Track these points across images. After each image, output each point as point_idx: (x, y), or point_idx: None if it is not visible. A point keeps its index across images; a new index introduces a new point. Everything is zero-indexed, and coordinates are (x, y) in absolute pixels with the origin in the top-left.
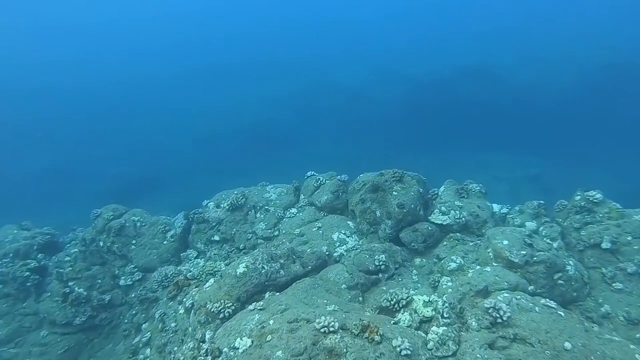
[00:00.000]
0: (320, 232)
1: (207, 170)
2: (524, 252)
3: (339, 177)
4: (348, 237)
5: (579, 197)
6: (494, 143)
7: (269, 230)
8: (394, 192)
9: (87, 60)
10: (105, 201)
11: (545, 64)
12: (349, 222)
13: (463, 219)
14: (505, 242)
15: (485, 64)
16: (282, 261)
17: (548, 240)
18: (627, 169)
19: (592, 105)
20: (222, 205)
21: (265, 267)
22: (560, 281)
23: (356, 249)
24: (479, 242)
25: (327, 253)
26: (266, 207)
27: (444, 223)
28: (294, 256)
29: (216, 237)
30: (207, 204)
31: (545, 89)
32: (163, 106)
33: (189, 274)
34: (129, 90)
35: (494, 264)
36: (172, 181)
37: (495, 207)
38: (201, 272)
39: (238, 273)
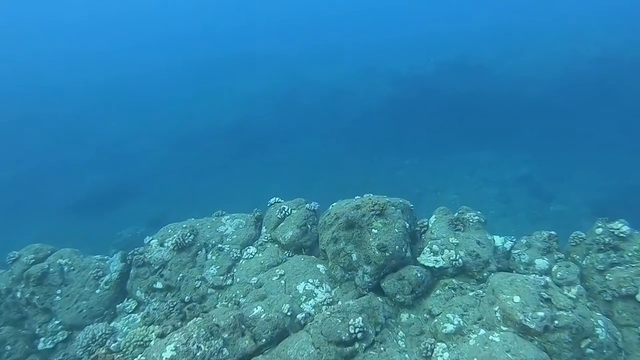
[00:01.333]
0: (283, 282)
1: (183, 174)
2: (542, 314)
3: (307, 205)
4: (317, 287)
5: (600, 229)
6: (481, 141)
7: (221, 277)
8: (373, 230)
9: (55, 59)
10: (79, 213)
11: (532, 60)
12: (319, 266)
13: (460, 260)
14: (517, 299)
15: (470, 60)
16: (226, 335)
17: (570, 294)
18: (616, 164)
19: (580, 100)
20: (166, 244)
21: (203, 347)
22: (589, 349)
23: (326, 303)
24: (481, 291)
25: (289, 314)
26: (220, 245)
27: (437, 266)
28: (243, 326)
29: (159, 284)
30: (149, 241)
31: (532, 85)
32: (138, 106)
33: (113, 344)
34: (102, 91)
35: (502, 327)
36: (148, 187)
37: (498, 241)
38: (128, 344)
39: (164, 359)
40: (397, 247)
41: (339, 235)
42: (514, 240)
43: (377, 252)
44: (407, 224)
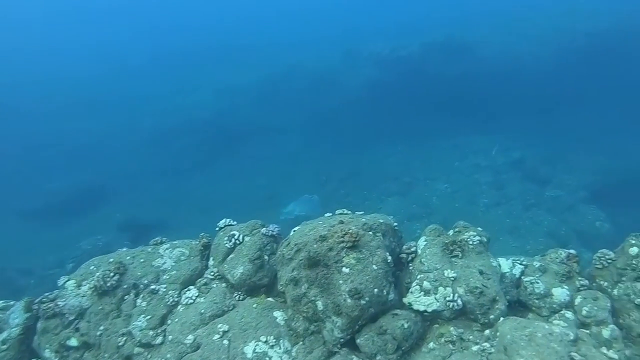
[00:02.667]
0: (226, 342)
1: (158, 174)
2: None
3: (264, 230)
4: (272, 346)
5: (635, 249)
6: (471, 125)
7: (151, 332)
8: (344, 269)
9: (15, 54)
10: (40, 221)
11: (522, 37)
12: (276, 314)
13: (459, 300)
14: None
15: (457, 38)
16: None
17: (611, 353)
18: (610, 143)
19: (570, 79)
20: (83, 287)
21: None
22: None
23: None
24: (488, 345)
25: None
26: (154, 285)
27: (429, 310)
28: None
29: (73, 341)
30: (64, 282)
31: (522, 64)
32: (108, 104)
33: None
34: (69, 88)
35: None
36: (119, 190)
37: (505, 266)
38: None
39: None
40: (375, 290)
41: (299, 276)
42: (524, 263)
43: (349, 300)
44: (389, 256)
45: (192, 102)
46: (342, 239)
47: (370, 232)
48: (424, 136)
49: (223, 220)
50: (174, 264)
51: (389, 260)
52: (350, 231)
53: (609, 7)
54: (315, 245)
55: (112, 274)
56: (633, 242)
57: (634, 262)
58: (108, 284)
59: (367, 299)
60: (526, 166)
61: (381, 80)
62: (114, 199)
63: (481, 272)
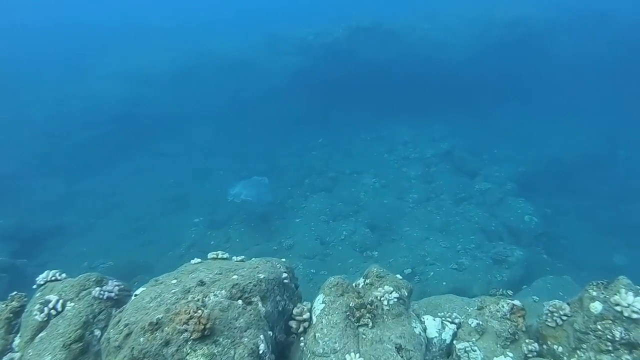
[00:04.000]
0: None
1: (51, 173)
2: None
3: (97, 290)
4: None
5: (598, 305)
6: (399, 115)
7: None
8: None
9: None
10: None
11: (447, 25)
12: None
13: None
14: None
15: (383, 24)
16: None
17: None
18: (534, 133)
19: (495, 68)
20: None
21: None
22: None
23: None
24: None
25: None
26: None
27: None
28: None
29: None
30: None
31: (448, 52)
32: None
33: None
34: None
35: None
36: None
37: (432, 328)
38: None
39: None
40: None
41: None
42: (457, 321)
43: None
44: (262, 343)
45: (94, 91)
46: (185, 327)
47: (240, 302)
48: (350, 127)
49: (44, 274)
50: None
51: (261, 351)
52: (197, 314)
53: None
54: (142, 339)
55: None
56: (594, 294)
57: (598, 326)
58: None
59: None
60: (455, 158)
61: (305, 68)
62: None
63: (399, 349)
